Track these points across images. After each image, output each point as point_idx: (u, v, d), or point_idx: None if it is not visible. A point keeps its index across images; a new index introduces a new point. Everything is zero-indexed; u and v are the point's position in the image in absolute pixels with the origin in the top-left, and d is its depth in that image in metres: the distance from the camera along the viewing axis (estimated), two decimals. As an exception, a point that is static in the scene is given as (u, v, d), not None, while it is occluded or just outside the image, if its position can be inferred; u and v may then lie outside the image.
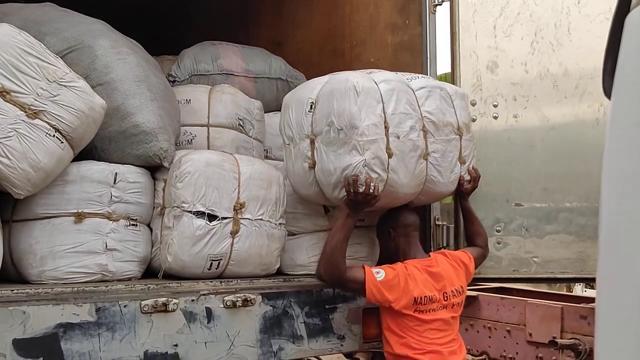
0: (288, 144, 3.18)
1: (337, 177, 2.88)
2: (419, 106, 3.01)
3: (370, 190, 2.78)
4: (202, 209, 2.93)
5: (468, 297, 5.16)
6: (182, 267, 2.91)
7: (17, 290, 2.53)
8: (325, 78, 3.09)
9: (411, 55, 3.67)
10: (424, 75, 3.34)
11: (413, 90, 3.04)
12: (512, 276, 3.61)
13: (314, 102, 3.01)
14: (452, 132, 3.12)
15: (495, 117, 3.57)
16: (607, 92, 1.33)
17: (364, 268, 2.89)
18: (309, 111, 3.02)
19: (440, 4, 3.58)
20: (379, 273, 2.87)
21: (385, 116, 2.88)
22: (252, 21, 5.22)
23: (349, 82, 2.90)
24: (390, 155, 2.84)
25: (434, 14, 3.57)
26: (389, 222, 3.08)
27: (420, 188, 3.04)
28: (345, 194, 2.84)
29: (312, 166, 2.98)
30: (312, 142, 2.99)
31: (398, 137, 2.88)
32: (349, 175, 2.83)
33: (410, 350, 2.96)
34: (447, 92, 3.22)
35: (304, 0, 4.71)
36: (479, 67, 3.58)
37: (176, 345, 2.71)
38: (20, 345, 2.38)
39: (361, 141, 2.80)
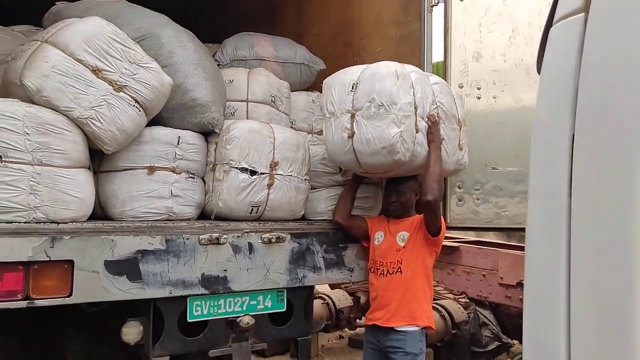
0: (329, 117, 3.13)
1: (374, 145, 2.87)
2: (434, 97, 3.04)
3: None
4: (246, 166, 3.06)
5: (451, 247, 5.44)
6: (230, 211, 3.07)
7: (107, 224, 2.71)
8: (363, 66, 3.08)
9: (410, 47, 3.67)
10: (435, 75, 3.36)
11: (430, 84, 3.07)
12: (487, 226, 3.73)
13: (356, 83, 2.97)
14: (455, 123, 3.17)
15: (478, 98, 3.65)
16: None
17: None
18: (350, 90, 2.98)
19: (436, 5, 3.61)
20: None
21: (415, 99, 2.90)
22: (277, 16, 5.16)
23: (391, 68, 2.92)
24: (417, 131, 2.88)
25: (431, 12, 3.59)
26: (415, 186, 3.13)
27: None
28: (429, 134, 2.92)
29: (351, 136, 2.95)
30: (353, 116, 2.96)
31: (422, 118, 2.92)
32: (430, 115, 2.93)
33: (431, 300, 3.18)
34: (456, 92, 3.32)
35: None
36: (466, 57, 3.64)
37: (225, 270, 2.86)
38: (109, 265, 2.55)
39: (399, 115, 2.82)
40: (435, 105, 3.01)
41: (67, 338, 3.80)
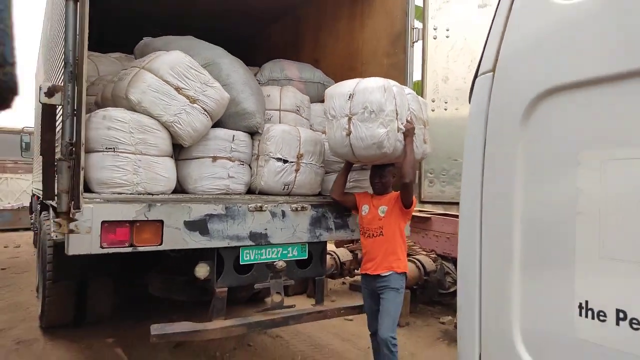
0: (331, 120, 3.09)
1: (367, 142, 2.89)
2: (408, 104, 3.02)
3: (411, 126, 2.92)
4: (280, 156, 3.25)
5: (424, 217, 5.57)
6: (269, 188, 3.25)
7: (185, 195, 2.94)
8: (356, 80, 3.05)
9: (398, 72, 3.71)
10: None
11: (405, 94, 3.05)
12: (451, 201, 3.86)
13: (352, 94, 2.96)
14: (422, 124, 3.15)
15: (445, 109, 3.81)
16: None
17: None
18: (347, 99, 2.97)
19: (417, 41, 3.70)
20: None
21: (396, 107, 2.89)
22: (299, 46, 5.14)
23: (379, 83, 2.92)
24: (398, 131, 2.90)
25: (413, 47, 3.69)
26: (393, 170, 3.14)
27: None
28: (404, 135, 2.89)
29: (349, 134, 2.96)
30: (350, 119, 2.95)
31: (401, 121, 2.92)
32: (405, 123, 2.90)
33: (406, 253, 3.18)
34: (422, 100, 3.26)
35: (332, 35, 4.67)
36: (437, 79, 3.78)
37: (266, 229, 3.04)
38: (187, 223, 2.77)
39: (386, 120, 2.84)
40: (409, 111, 3.00)
41: (150, 279, 4.08)
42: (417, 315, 5.36)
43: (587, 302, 0.88)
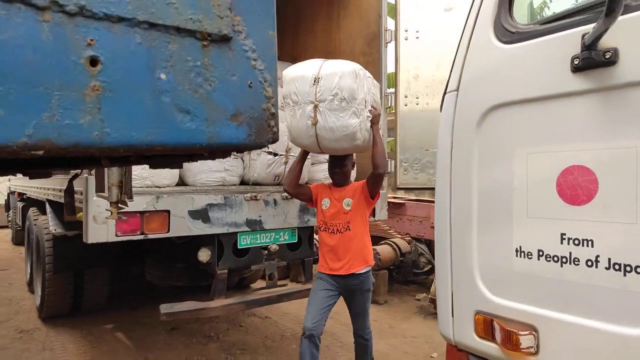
0: (293, 106, 2.82)
1: (337, 133, 2.67)
2: (370, 88, 2.85)
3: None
4: (270, 150, 3.51)
5: (399, 203, 6.03)
6: (262, 179, 3.54)
7: (188, 187, 3.23)
8: (318, 61, 2.80)
9: (373, 69, 3.58)
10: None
11: (367, 77, 2.86)
12: (424, 186, 4.13)
13: (317, 77, 2.67)
14: (378, 108, 2.95)
15: (417, 104, 4.01)
16: None
17: None
18: (313, 84, 2.68)
19: (390, 42, 3.89)
20: None
21: (365, 94, 2.74)
22: (278, 43, 5.41)
23: (349, 67, 2.68)
24: (367, 119, 2.76)
25: (386, 47, 3.91)
26: (351, 158, 3.03)
27: None
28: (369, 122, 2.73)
29: (315, 124, 2.70)
30: (316, 106, 2.68)
31: (367, 109, 2.76)
32: (371, 109, 2.74)
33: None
34: (376, 82, 3.07)
35: (311, 33, 4.82)
36: (409, 76, 3.98)
37: (260, 216, 3.32)
38: (191, 213, 3.04)
39: (359, 108, 2.66)
40: (372, 96, 2.86)
41: (147, 266, 4.39)
42: (394, 293, 5.82)
43: (520, 246, 1.34)
